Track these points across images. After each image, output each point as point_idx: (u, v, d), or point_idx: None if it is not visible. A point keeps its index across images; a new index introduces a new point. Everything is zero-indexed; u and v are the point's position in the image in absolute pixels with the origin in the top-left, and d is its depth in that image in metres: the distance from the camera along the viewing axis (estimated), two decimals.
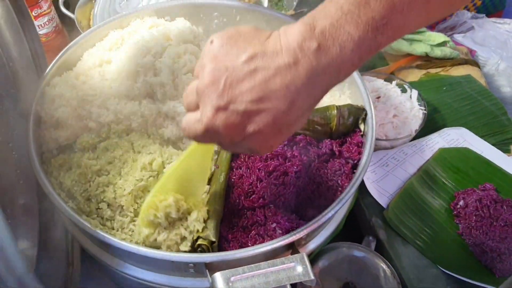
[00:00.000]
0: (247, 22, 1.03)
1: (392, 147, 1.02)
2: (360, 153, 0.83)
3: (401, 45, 1.24)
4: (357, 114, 0.85)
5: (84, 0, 1.21)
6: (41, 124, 0.81)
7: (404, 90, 1.10)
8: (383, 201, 0.92)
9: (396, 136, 1.03)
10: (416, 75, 1.24)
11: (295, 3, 1.25)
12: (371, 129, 0.82)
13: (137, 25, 0.90)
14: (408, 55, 1.26)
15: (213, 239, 0.67)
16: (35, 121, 0.79)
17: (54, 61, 0.86)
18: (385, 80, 1.12)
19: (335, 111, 0.83)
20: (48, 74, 0.84)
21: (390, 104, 1.06)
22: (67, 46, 0.88)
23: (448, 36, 1.29)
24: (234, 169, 0.77)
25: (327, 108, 0.84)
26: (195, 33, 0.87)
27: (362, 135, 0.85)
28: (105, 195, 0.69)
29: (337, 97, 0.96)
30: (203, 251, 0.66)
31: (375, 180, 0.96)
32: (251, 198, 0.74)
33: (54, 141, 0.78)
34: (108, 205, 0.69)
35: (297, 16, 1.11)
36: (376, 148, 1.01)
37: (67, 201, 0.70)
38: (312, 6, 1.31)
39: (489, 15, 1.45)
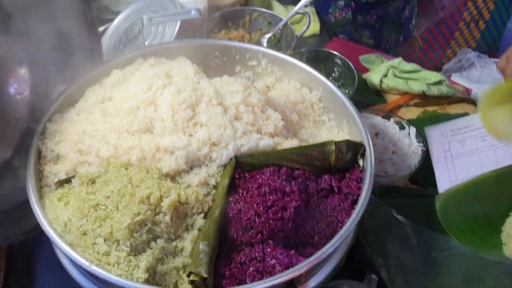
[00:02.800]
0: (246, 61, 1.05)
1: (392, 184, 1.02)
2: (359, 188, 0.82)
3: (398, 83, 1.26)
4: (356, 149, 0.86)
5: None
6: (41, 159, 0.81)
7: (402, 127, 1.11)
8: (443, 184, 0.90)
9: (396, 173, 1.03)
10: (414, 112, 1.25)
11: (293, 44, 1.29)
12: (370, 164, 0.82)
13: (140, 63, 0.92)
14: (406, 93, 1.28)
15: (205, 275, 0.66)
16: (35, 156, 0.80)
17: (57, 98, 0.87)
18: (383, 117, 1.14)
19: (333, 146, 0.84)
20: (50, 111, 0.85)
21: (389, 141, 1.07)
22: (70, 84, 0.90)
23: (447, 76, 1.32)
24: (232, 204, 0.76)
25: (325, 143, 0.84)
26: (195, 71, 0.89)
27: (361, 171, 0.85)
28: (102, 230, 0.68)
29: (335, 133, 0.97)
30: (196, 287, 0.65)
31: (457, 153, 0.93)
32: (249, 233, 0.74)
33: (53, 175, 0.79)
34: (105, 239, 0.68)
35: (296, 56, 1.13)
36: (376, 184, 1.01)
37: (63, 236, 0.69)
38: (309, 47, 1.35)
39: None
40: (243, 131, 0.81)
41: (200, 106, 0.81)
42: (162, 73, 0.86)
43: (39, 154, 0.82)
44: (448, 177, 0.93)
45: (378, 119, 1.13)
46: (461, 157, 0.95)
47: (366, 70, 1.38)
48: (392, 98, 1.29)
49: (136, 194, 0.70)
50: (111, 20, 1.31)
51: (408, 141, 1.08)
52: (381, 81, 1.29)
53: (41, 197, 0.76)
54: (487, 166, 0.94)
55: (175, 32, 1.17)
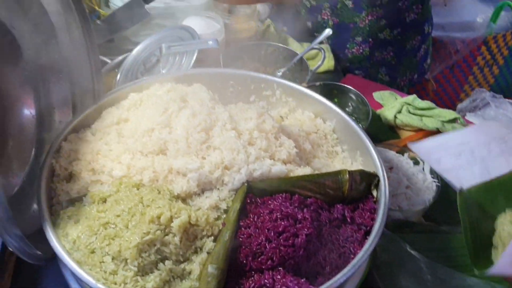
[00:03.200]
0: (261, 90, 1.06)
1: (405, 219, 1.00)
2: (373, 219, 0.81)
3: (412, 120, 1.26)
4: (370, 180, 0.85)
5: (107, 68, 1.27)
6: (53, 178, 0.81)
7: (416, 163, 1.10)
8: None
9: (410, 208, 1.01)
10: None
11: (308, 78, 1.30)
12: (384, 195, 0.81)
13: (156, 89, 0.94)
14: (420, 130, 1.27)
15: None
16: (48, 174, 0.80)
17: (73, 119, 0.88)
18: (397, 152, 1.13)
19: (347, 175, 0.83)
20: (66, 131, 0.86)
21: (403, 175, 1.05)
22: (87, 106, 0.91)
23: (461, 115, 1.32)
24: (243, 228, 0.75)
25: (339, 172, 0.84)
26: (211, 97, 0.90)
27: (375, 201, 0.84)
28: (110, 248, 0.67)
29: (349, 164, 0.96)
30: None
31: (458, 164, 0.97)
32: (259, 259, 0.72)
33: (65, 193, 0.79)
34: (113, 258, 0.67)
35: (310, 88, 1.14)
36: (389, 219, 0.99)
37: (71, 253, 0.68)
38: (323, 80, 1.36)
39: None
40: (256, 156, 0.81)
41: (214, 130, 0.82)
42: (178, 97, 0.87)
43: (52, 172, 0.82)
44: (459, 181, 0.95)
45: (392, 154, 1.12)
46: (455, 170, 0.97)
47: (380, 106, 1.38)
48: (406, 134, 1.29)
49: (147, 213, 0.70)
50: (130, 50, 1.35)
51: (422, 176, 1.06)
52: (395, 117, 1.29)
53: (51, 214, 0.76)
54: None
55: (192, 62, 1.19)
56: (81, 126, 0.88)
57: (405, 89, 1.70)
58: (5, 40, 0.87)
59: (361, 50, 1.60)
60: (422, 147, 1.08)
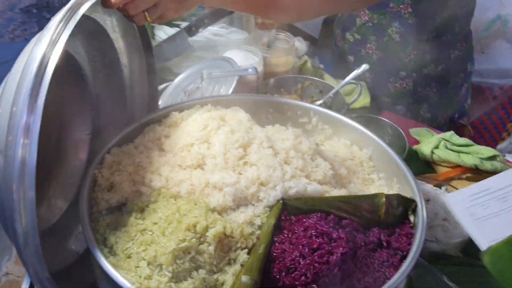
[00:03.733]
0: (297, 118, 1.08)
1: (442, 251, 0.97)
2: (409, 244, 0.79)
3: (450, 155, 1.25)
4: (407, 204, 0.84)
5: None
6: (95, 187, 0.84)
7: None
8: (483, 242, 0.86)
9: (447, 240, 0.98)
10: (465, 186, 1.21)
11: (343, 111, 1.32)
12: (421, 220, 0.80)
13: (197, 109, 0.97)
14: (457, 166, 1.25)
15: None
16: (90, 184, 0.83)
17: (118, 134, 0.92)
18: (435, 186, 1.11)
19: (384, 199, 0.82)
20: (110, 144, 0.89)
21: (440, 207, 1.03)
22: (131, 124, 0.95)
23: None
24: (277, 243, 0.75)
25: (375, 195, 0.83)
26: (248, 118, 0.92)
27: (411, 227, 0.82)
28: (146, 253, 0.68)
29: (385, 191, 0.95)
30: None
31: (482, 216, 0.90)
32: (292, 275, 0.71)
33: (105, 202, 0.81)
34: (148, 263, 0.68)
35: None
36: (425, 250, 0.96)
37: (108, 257, 0.70)
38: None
39: None
40: (292, 175, 0.82)
41: (252, 147, 0.83)
42: (217, 116, 0.90)
43: (95, 182, 0.85)
44: (485, 237, 0.89)
45: (429, 186, 1.10)
46: (488, 219, 0.91)
47: (417, 143, 1.37)
48: (443, 171, 1.27)
49: (183, 221, 0.71)
50: (172, 80, 1.41)
51: None
52: (432, 152, 1.28)
53: (91, 221, 0.78)
54: None
55: (231, 90, 1.23)
56: (124, 141, 0.92)
57: (444, 128, 1.67)
58: (68, 64, 0.93)
59: (404, 85, 1.59)
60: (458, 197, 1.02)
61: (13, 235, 0.65)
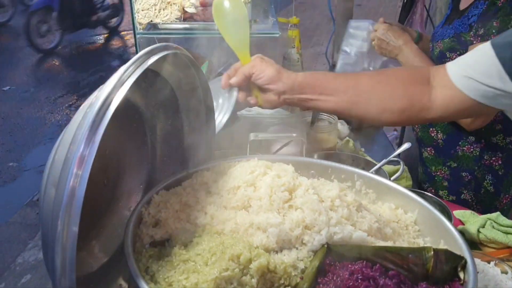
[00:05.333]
0: (341, 181, 1.08)
1: None
2: None
3: (497, 235, 1.20)
4: (456, 261, 0.80)
5: None
6: (140, 225, 0.86)
7: (505, 272, 1.02)
8: None
9: None
10: None
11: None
12: (472, 278, 0.76)
13: (243, 162, 1.00)
14: (506, 247, 1.19)
15: None
16: (136, 220, 0.85)
17: (168, 179, 0.95)
18: (482, 260, 1.06)
19: (432, 252, 0.79)
20: (159, 187, 0.92)
21: (489, 280, 0.97)
22: (181, 171, 0.99)
23: None
24: (321, 285, 0.72)
25: (423, 248, 0.80)
26: (294, 169, 0.94)
27: (461, 284, 0.78)
28: (188, 281, 0.67)
29: None
30: None
31: None
32: None
33: (149, 237, 0.82)
34: None
35: None
36: None
37: (149, 283, 0.69)
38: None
39: None
40: (337, 220, 0.81)
41: (297, 191, 0.84)
42: (264, 165, 0.93)
43: (140, 220, 0.86)
44: None
45: (477, 260, 1.05)
46: None
47: (461, 224, 1.33)
48: (489, 251, 1.21)
49: (227, 252, 0.70)
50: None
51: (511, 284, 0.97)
52: (478, 231, 1.23)
53: (134, 251, 0.78)
54: None
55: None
56: (173, 186, 0.95)
57: (504, 212, 1.59)
58: (130, 113, 1.01)
59: (471, 149, 1.57)
60: None
61: (52, 267, 0.66)
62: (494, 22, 1.33)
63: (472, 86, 0.93)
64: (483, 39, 1.34)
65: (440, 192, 1.68)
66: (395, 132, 3.14)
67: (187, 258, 0.72)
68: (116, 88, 0.72)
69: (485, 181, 1.59)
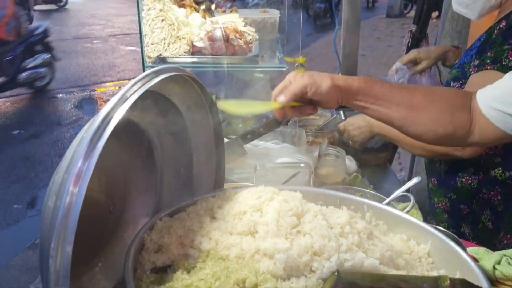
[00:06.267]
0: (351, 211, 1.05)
1: None
2: None
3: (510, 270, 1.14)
4: None
5: None
6: (142, 251, 0.82)
7: None
8: None
9: None
10: None
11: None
12: None
13: (250, 188, 0.97)
14: None
15: None
16: (137, 246, 0.82)
17: (172, 205, 0.93)
18: None
19: (448, 282, 0.75)
20: (163, 213, 0.90)
21: None
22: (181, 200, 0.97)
23: None
24: None
25: (439, 277, 0.76)
26: (302, 196, 0.92)
27: None
28: None
29: None
30: None
31: None
32: None
33: (151, 263, 0.78)
34: None
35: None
36: None
37: None
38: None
39: None
40: (348, 247, 0.77)
41: (305, 217, 0.81)
42: (271, 191, 0.90)
43: (142, 246, 0.83)
44: None
45: None
46: None
47: (475, 260, 1.28)
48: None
49: (232, 276, 0.67)
50: None
51: None
52: (494, 267, 1.18)
53: (135, 278, 0.75)
54: None
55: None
56: (177, 212, 0.92)
57: (507, 248, 1.53)
58: (137, 136, 1.00)
59: (470, 181, 1.53)
60: None
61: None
62: (489, 53, 1.35)
63: (501, 118, 0.96)
64: (479, 69, 1.35)
65: (440, 225, 1.63)
66: (403, 173, 3.11)
67: (189, 283, 0.69)
68: (118, 105, 0.71)
69: (483, 216, 1.54)
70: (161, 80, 0.83)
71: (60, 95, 7.01)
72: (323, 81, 0.98)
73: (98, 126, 0.68)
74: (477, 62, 1.38)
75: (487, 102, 0.98)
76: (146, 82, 0.77)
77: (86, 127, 0.74)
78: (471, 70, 1.41)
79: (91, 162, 0.66)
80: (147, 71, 0.79)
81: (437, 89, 1.09)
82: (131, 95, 0.74)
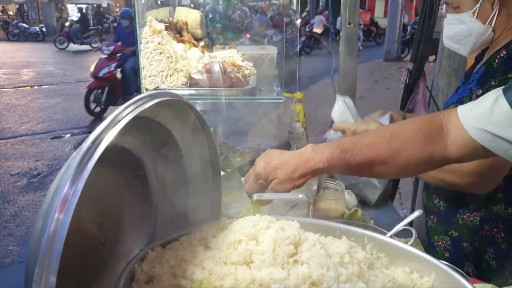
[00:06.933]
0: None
1: None
2: None
3: None
4: None
5: None
6: (132, 282, 0.78)
7: None
8: None
9: None
10: None
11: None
12: None
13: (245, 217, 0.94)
14: None
15: None
16: (127, 276, 0.78)
17: (166, 236, 0.90)
18: None
19: None
20: (156, 244, 0.86)
21: None
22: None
23: None
24: None
25: None
26: (300, 225, 0.88)
27: None
28: None
29: None
30: None
31: None
32: None
33: None
34: None
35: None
36: None
37: None
38: None
39: None
40: (347, 277, 0.73)
41: (303, 245, 0.78)
42: (267, 219, 0.87)
43: (133, 277, 0.79)
44: None
45: None
46: None
47: None
48: None
49: None
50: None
51: None
52: None
53: None
54: None
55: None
56: (170, 242, 0.88)
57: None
58: (132, 165, 0.98)
59: (471, 218, 1.49)
60: None
61: None
62: (493, 81, 1.35)
63: (488, 138, 0.96)
64: None
65: None
66: (404, 211, 3.06)
67: None
68: (108, 128, 0.69)
69: (487, 254, 1.50)
70: (156, 106, 0.81)
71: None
72: (298, 180, 1.06)
73: (87, 149, 0.66)
74: (480, 92, 1.37)
75: (474, 123, 0.97)
76: (138, 106, 0.76)
77: (75, 152, 0.72)
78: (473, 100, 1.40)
79: (78, 186, 0.63)
80: (141, 95, 0.78)
81: (401, 126, 1.09)
82: (123, 118, 0.72)
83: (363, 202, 1.78)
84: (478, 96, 1.37)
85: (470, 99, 1.42)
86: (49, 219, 0.61)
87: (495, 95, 0.94)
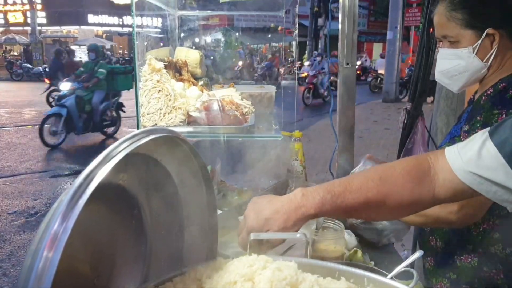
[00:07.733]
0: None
1: None
2: None
3: None
4: None
5: None
6: None
7: None
8: None
9: None
10: None
11: None
12: None
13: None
14: None
15: None
16: None
17: (156, 279, 0.87)
18: None
19: None
20: (149, 284, 0.84)
21: None
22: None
23: None
24: None
25: None
26: (298, 266, 0.86)
27: None
28: None
29: None
30: None
31: None
32: None
33: None
34: None
35: None
36: None
37: None
38: None
39: None
40: None
41: (301, 287, 0.75)
42: (264, 259, 0.84)
43: None
44: None
45: None
46: None
47: None
48: None
49: None
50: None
51: None
52: None
53: None
54: None
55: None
56: (163, 283, 0.86)
57: None
58: (126, 203, 0.96)
59: (469, 259, 1.45)
60: None
61: None
62: (478, 117, 1.35)
63: (477, 181, 0.95)
64: (469, 134, 1.34)
65: None
66: (405, 252, 3.00)
67: None
68: (101, 164, 0.68)
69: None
70: (152, 142, 0.81)
71: None
72: (293, 228, 1.02)
73: (79, 185, 0.65)
74: (466, 127, 1.38)
75: (462, 166, 0.97)
76: (134, 142, 0.75)
77: (67, 188, 0.71)
78: (461, 138, 1.40)
79: (68, 224, 0.61)
80: (137, 131, 0.77)
81: (391, 170, 1.08)
82: (117, 154, 0.71)
83: (363, 242, 1.75)
84: (466, 132, 1.38)
85: (459, 140, 1.42)
86: (38, 257, 0.59)
87: (482, 137, 0.94)
